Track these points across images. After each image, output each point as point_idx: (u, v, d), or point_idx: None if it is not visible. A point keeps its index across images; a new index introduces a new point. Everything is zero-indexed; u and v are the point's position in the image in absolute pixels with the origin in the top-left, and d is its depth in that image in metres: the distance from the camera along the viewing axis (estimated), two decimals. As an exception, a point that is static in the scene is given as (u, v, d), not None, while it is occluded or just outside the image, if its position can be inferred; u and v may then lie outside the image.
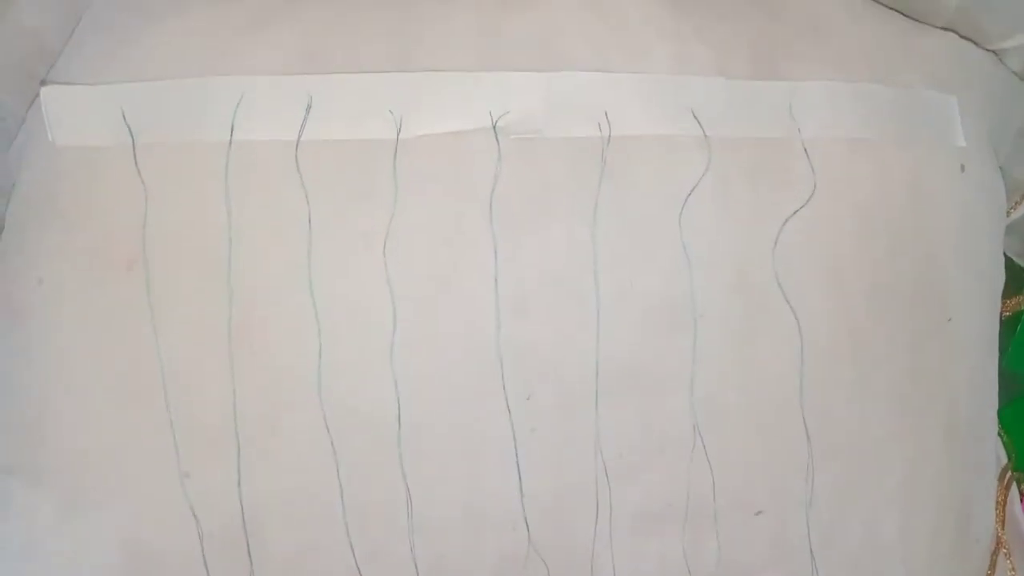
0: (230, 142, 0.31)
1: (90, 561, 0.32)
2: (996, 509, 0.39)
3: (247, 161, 0.31)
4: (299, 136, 0.31)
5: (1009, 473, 0.41)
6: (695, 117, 0.32)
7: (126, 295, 0.31)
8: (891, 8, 0.37)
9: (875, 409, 0.35)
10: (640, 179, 0.32)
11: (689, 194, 0.32)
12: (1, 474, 0.33)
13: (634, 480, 0.33)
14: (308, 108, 0.31)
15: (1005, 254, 0.41)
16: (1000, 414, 0.42)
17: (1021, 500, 0.43)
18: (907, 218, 0.34)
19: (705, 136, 0.32)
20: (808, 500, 0.34)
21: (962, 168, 0.36)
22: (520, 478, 0.32)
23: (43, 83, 0.32)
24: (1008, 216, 0.43)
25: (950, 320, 0.36)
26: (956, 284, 0.36)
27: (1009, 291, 0.44)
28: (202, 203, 0.31)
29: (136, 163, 0.31)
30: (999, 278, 0.39)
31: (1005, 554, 0.38)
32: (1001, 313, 0.43)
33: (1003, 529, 0.39)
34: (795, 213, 0.33)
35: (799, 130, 0.33)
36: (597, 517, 0.33)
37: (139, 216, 0.31)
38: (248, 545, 0.32)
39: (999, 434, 0.42)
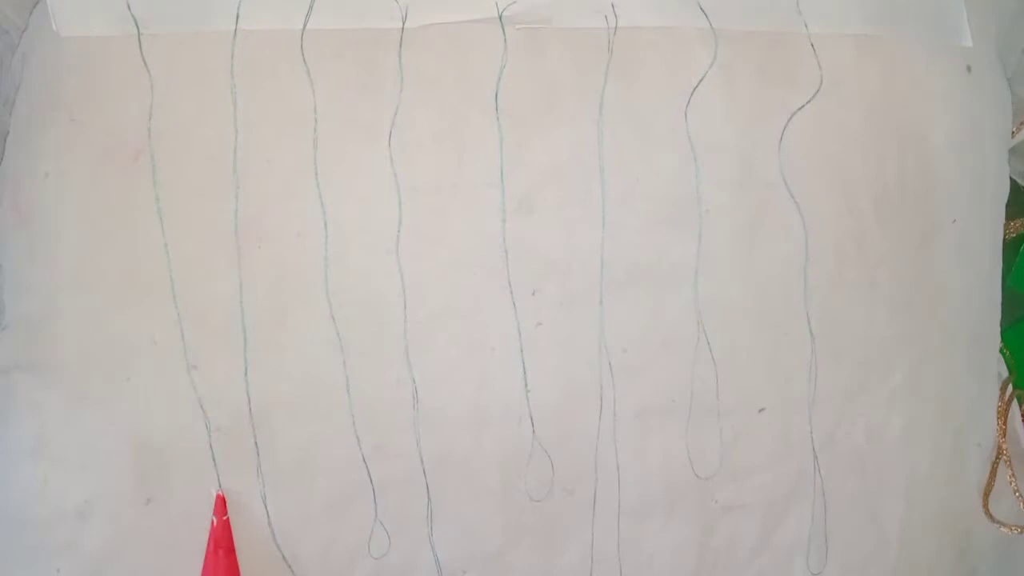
0: (235, 31, 0.31)
1: (97, 456, 0.33)
2: (997, 418, 0.39)
3: (253, 51, 0.31)
4: (304, 25, 0.31)
5: (1010, 387, 0.41)
6: (702, 9, 0.32)
7: (132, 187, 0.31)
8: None
9: (879, 309, 0.35)
10: (646, 72, 0.32)
11: (695, 88, 0.32)
12: (10, 371, 0.34)
13: (638, 376, 0.33)
14: None
15: (1010, 177, 0.41)
16: (1003, 334, 0.42)
17: (1022, 417, 0.43)
18: (913, 116, 0.34)
19: (712, 28, 0.32)
20: (811, 398, 0.34)
21: (968, 69, 0.35)
22: (525, 373, 0.32)
23: (48, -27, 0.32)
24: (1012, 137, 0.43)
25: (954, 221, 0.36)
26: (961, 185, 0.36)
27: (1013, 212, 0.44)
28: (208, 94, 0.31)
29: (142, 54, 0.31)
30: (1003, 187, 0.39)
31: (1006, 461, 0.39)
32: (1006, 234, 0.43)
33: (1004, 438, 0.39)
34: (800, 108, 0.33)
35: (806, 25, 0.33)
36: (601, 412, 0.33)
37: (145, 107, 0.31)
38: (255, 437, 0.32)
39: (1001, 350, 0.42)
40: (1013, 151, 0.43)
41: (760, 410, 0.34)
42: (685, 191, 0.32)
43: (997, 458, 0.39)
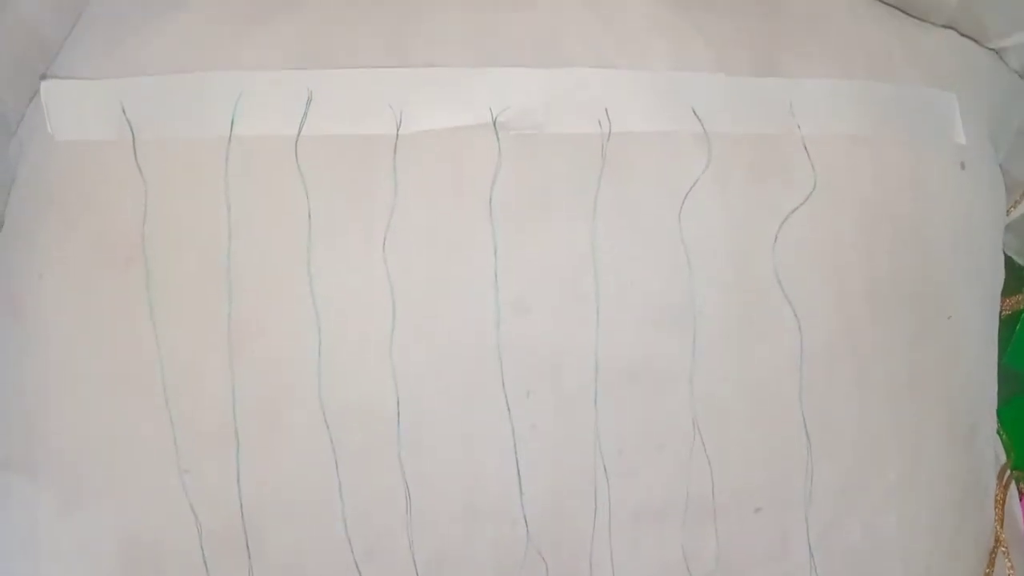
0: (230, 137, 0.31)
1: (89, 557, 0.32)
2: (995, 508, 0.39)
3: (247, 157, 0.31)
4: (299, 131, 0.31)
5: (1008, 472, 0.41)
6: (695, 114, 0.32)
7: (126, 291, 0.31)
8: (891, 5, 0.37)
9: (874, 407, 0.35)
10: (640, 176, 0.32)
11: (689, 191, 0.32)
12: (1, 469, 0.33)
13: (633, 477, 0.33)
14: (308, 103, 0.31)
15: (1004, 253, 0.41)
16: (999, 412, 0.42)
17: (1020, 499, 0.43)
18: (907, 215, 0.34)
19: (705, 133, 0.32)
20: (807, 497, 0.34)
21: (962, 166, 0.36)
22: (519, 475, 0.32)
23: (43, 77, 0.32)
24: (1008, 215, 0.43)
25: (950, 318, 0.36)
26: (956, 282, 0.36)
27: (1008, 289, 0.44)
28: (202, 199, 0.31)
29: (136, 158, 0.31)
30: (999, 276, 0.39)
31: (1004, 552, 0.38)
32: (1000, 311, 0.43)
33: (1002, 528, 0.39)
34: (795, 210, 0.33)
35: (799, 127, 0.33)
36: (596, 514, 0.33)
37: (139, 212, 0.31)
38: (247, 542, 0.32)
39: (998, 432, 0.42)
40: (1008, 229, 0.43)
41: (756, 510, 0.34)
42: (679, 292, 0.32)
43: (995, 549, 0.39)
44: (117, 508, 0.32)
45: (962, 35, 0.38)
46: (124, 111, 0.31)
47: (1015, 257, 0.47)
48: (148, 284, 0.31)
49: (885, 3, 0.37)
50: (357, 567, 0.32)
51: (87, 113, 0.31)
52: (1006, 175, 0.41)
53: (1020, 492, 0.44)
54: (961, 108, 0.36)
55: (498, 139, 0.31)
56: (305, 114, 0.31)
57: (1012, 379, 0.46)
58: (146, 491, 0.32)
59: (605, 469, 0.33)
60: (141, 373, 0.31)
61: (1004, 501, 0.40)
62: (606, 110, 0.32)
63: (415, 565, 0.32)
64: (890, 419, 0.35)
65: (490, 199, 0.31)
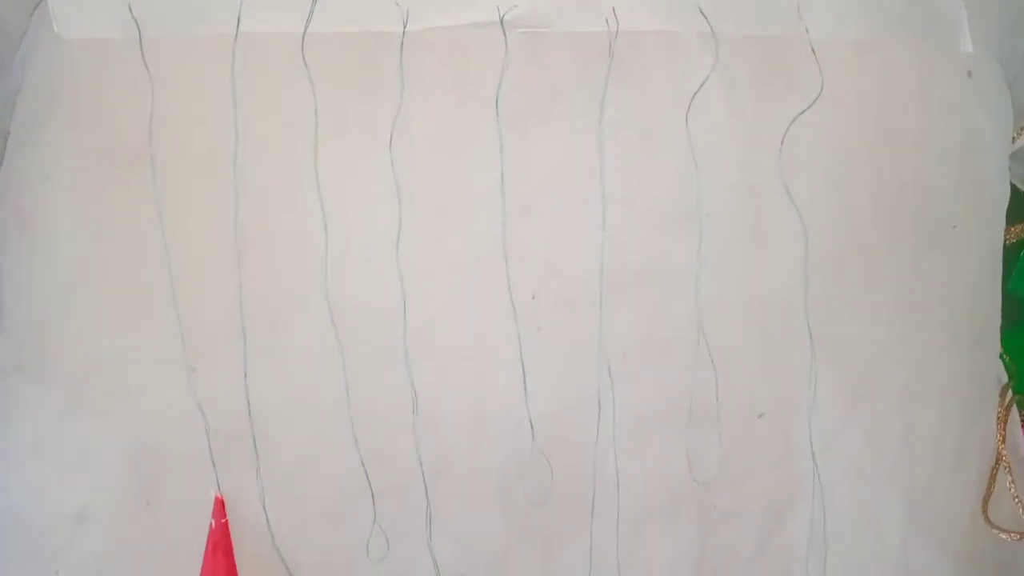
0: (236, 34, 0.31)
1: (98, 459, 0.33)
2: (997, 424, 0.39)
3: (253, 54, 0.31)
4: (305, 28, 0.31)
5: (1010, 392, 0.41)
6: (702, 13, 0.32)
7: (132, 190, 0.31)
8: None
9: (878, 315, 0.35)
10: (647, 77, 0.32)
11: (696, 93, 0.32)
12: (9, 373, 0.34)
13: (637, 380, 0.33)
14: (314, 0, 0.31)
15: (1011, 183, 0.41)
16: (1003, 337, 0.42)
17: (1021, 424, 0.43)
18: (914, 120, 0.34)
19: (713, 33, 0.32)
20: (810, 404, 0.34)
21: (969, 74, 0.35)
22: (525, 378, 0.32)
23: (49, -25, 0.32)
24: (1013, 142, 0.43)
25: (954, 228, 0.36)
26: (961, 190, 0.36)
27: (1013, 217, 0.44)
28: (208, 97, 0.31)
29: (143, 56, 0.31)
30: (1004, 193, 0.39)
31: (1005, 467, 0.39)
32: (1006, 239, 0.43)
33: (1004, 444, 0.39)
34: (801, 114, 0.33)
35: (807, 30, 0.33)
36: (600, 417, 0.33)
37: (145, 110, 0.31)
38: (255, 441, 0.32)
39: (1000, 356, 0.42)
40: (1013, 156, 0.43)
41: (760, 415, 0.34)
42: (686, 196, 0.32)
43: (996, 464, 0.39)
44: (124, 410, 0.32)
45: (972, -51, 0.38)
46: (130, 8, 0.31)
47: (1020, 186, 0.47)
48: (155, 183, 0.31)
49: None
50: (364, 467, 0.32)
51: (93, 11, 0.31)
52: (1013, 100, 0.40)
53: (1021, 418, 0.44)
54: (969, 20, 0.36)
55: (505, 37, 0.31)
56: (312, 10, 0.31)
57: (1016, 306, 0.46)
58: (153, 391, 0.32)
59: (609, 372, 0.33)
60: (148, 273, 0.31)
61: (1006, 419, 0.40)
62: (613, 8, 0.32)
63: (421, 466, 0.32)
64: (894, 327, 0.35)
65: (496, 99, 0.31)
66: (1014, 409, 0.41)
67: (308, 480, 0.32)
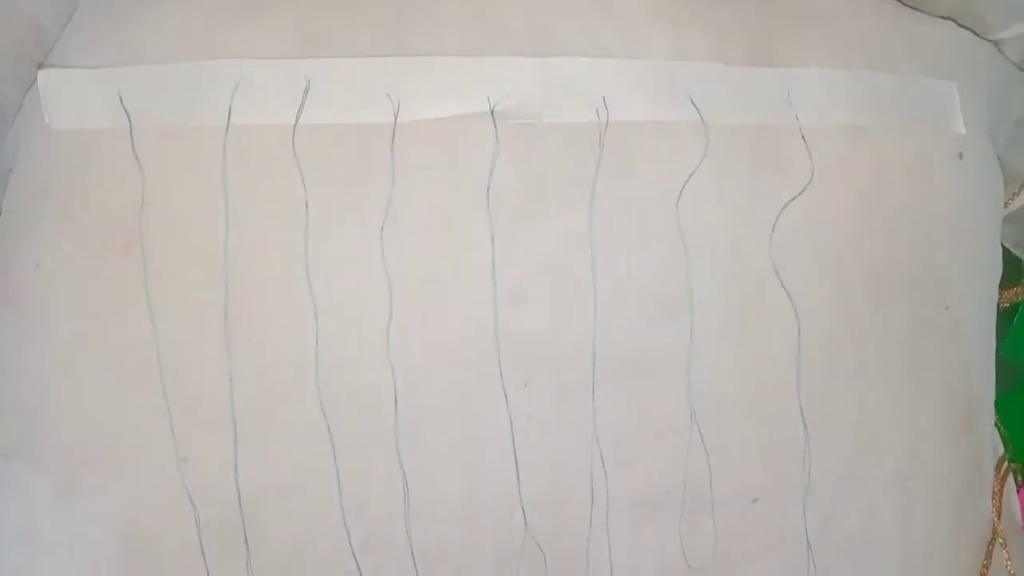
0: (227, 126, 0.31)
1: (87, 545, 0.32)
2: (992, 499, 0.39)
3: (244, 145, 0.31)
4: (296, 120, 0.31)
5: (1005, 463, 0.41)
6: (693, 103, 0.32)
7: (123, 279, 0.31)
8: None
9: (872, 397, 0.35)
10: (638, 165, 0.32)
11: (687, 180, 0.32)
12: (-1, 458, 0.33)
13: (631, 467, 0.33)
14: (306, 92, 0.31)
15: (1003, 245, 0.41)
16: (997, 403, 0.42)
17: (1018, 491, 0.43)
18: (905, 205, 0.34)
19: (703, 122, 0.32)
20: (805, 487, 0.34)
21: (960, 155, 0.36)
22: (517, 466, 0.32)
23: (40, 66, 0.32)
24: (1006, 207, 0.43)
25: (947, 308, 0.36)
26: (954, 272, 0.36)
27: (1007, 281, 0.44)
28: (199, 187, 0.31)
29: (133, 146, 0.31)
30: (996, 267, 0.39)
31: (1001, 544, 0.38)
32: (999, 303, 0.43)
33: (999, 519, 0.39)
34: (793, 200, 0.33)
35: (797, 117, 0.33)
36: (593, 504, 0.33)
37: (136, 200, 0.31)
38: (245, 531, 0.32)
39: (996, 424, 0.41)
40: (1007, 221, 0.43)
41: (754, 500, 0.34)
42: (677, 282, 0.32)
43: (992, 540, 0.39)
44: (115, 497, 0.32)
45: (961, 26, 0.38)
46: (121, 100, 0.31)
47: (1013, 249, 0.47)
48: (145, 272, 0.31)
49: (883, -6, 0.37)
50: (355, 558, 0.32)
51: (84, 102, 0.31)
52: (1004, 167, 0.41)
53: (1017, 484, 0.43)
54: (960, 98, 0.36)
55: (496, 128, 0.31)
56: (303, 103, 0.31)
57: (1010, 371, 0.46)
58: (144, 480, 0.32)
59: (603, 459, 0.33)
60: (138, 361, 0.31)
61: (1002, 493, 0.39)
62: (604, 99, 0.32)
63: (413, 556, 0.32)
64: (888, 409, 0.35)
65: (488, 188, 0.31)
66: (1010, 481, 0.41)
67: (299, 570, 0.32)
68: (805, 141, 0.33)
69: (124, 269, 0.31)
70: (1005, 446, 0.42)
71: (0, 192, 0.35)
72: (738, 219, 0.33)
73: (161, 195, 0.31)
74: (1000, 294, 0.43)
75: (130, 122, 0.31)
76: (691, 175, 0.32)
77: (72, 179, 0.32)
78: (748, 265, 0.33)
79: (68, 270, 0.32)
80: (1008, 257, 0.43)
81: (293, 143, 0.31)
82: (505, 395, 0.32)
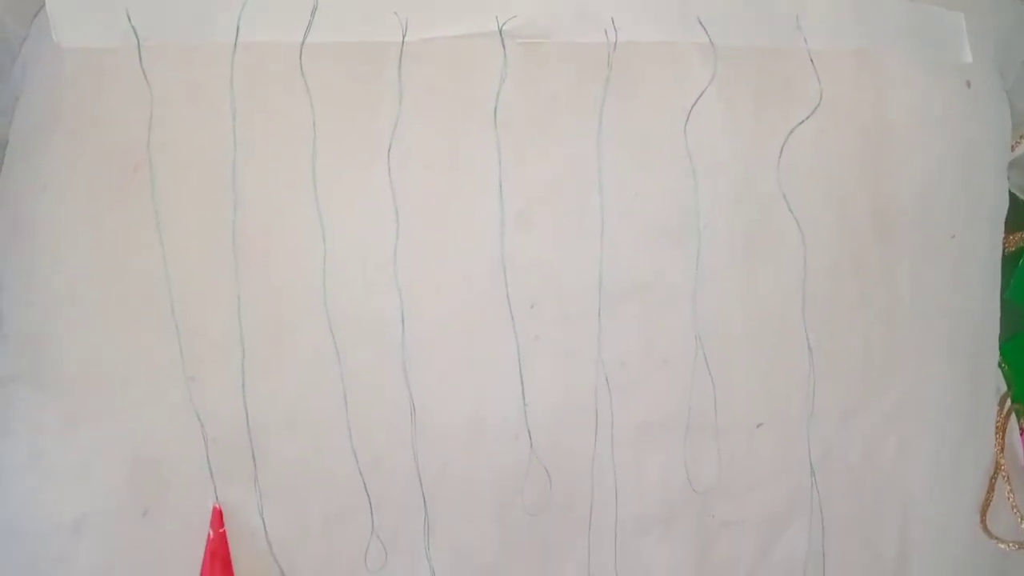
0: (235, 44, 0.30)
1: (96, 468, 0.32)
2: (996, 434, 0.39)
3: (252, 64, 0.31)
4: (304, 38, 0.31)
5: (1009, 401, 0.41)
6: (701, 25, 0.32)
7: (131, 200, 0.31)
8: None
9: (876, 326, 0.35)
10: (645, 88, 0.32)
11: (694, 104, 0.32)
12: (7, 383, 0.34)
13: (636, 391, 0.33)
14: (314, 10, 0.31)
15: (1009, 191, 0.41)
16: (1002, 347, 0.42)
17: (1020, 433, 0.43)
18: (912, 131, 0.34)
19: (711, 44, 0.32)
20: (809, 414, 0.34)
21: (968, 84, 0.36)
22: (523, 387, 0.32)
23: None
24: (1012, 150, 0.43)
25: (953, 237, 0.36)
26: (959, 201, 0.36)
27: (1013, 226, 0.44)
28: (207, 106, 0.31)
29: (141, 65, 0.31)
30: (1002, 202, 0.39)
31: (1004, 477, 0.39)
32: (1005, 248, 0.43)
33: (1002, 453, 0.39)
34: (800, 124, 0.33)
35: (805, 40, 0.33)
36: (598, 427, 0.33)
37: (144, 119, 0.31)
38: (253, 451, 0.32)
39: (999, 364, 0.42)
40: (1012, 165, 0.43)
41: (758, 426, 0.34)
42: (684, 207, 0.32)
43: (995, 474, 0.39)
44: (123, 420, 0.32)
45: (968, -37, 0.38)
46: (129, 17, 0.31)
47: (1019, 194, 0.47)
48: (154, 192, 0.31)
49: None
50: (362, 476, 0.32)
51: (92, 20, 0.31)
52: (1012, 109, 0.41)
53: (1020, 427, 0.44)
54: (967, 30, 0.36)
55: (504, 48, 0.31)
56: (311, 20, 0.31)
57: (1015, 315, 0.46)
58: (152, 402, 0.32)
59: (608, 382, 0.33)
60: (147, 282, 0.31)
61: (1005, 428, 0.40)
62: (612, 19, 0.32)
63: (420, 477, 0.32)
64: (892, 339, 0.35)
65: (495, 109, 0.31)
66: (1013, 418, 0.41)
67: (306, 489, 0.32)
68: (814, 65, 0.33)
69: (132, 189, 0.31)
70: (1008, 386, 0.42)
71: (7, 123, 0.35)
72: (746, 143, 0.33)
73: (169, 114, 0.31)
74: (1006, 238, 0.43)
75: (138, 40, 0.31)
76: (699, 97, 0.32)
77: (80, 101, 0.32)
78: (755, 189, 0.33)
79: (76, 192, 0.32)
80: (1014, 202, 0.43)
81: (301, 62, 0.31)
82: (511, 317, 0.32)
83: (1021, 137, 0.44)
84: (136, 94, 0.31)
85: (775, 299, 0.34)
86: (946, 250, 0.36)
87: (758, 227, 0.33)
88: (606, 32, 0.32)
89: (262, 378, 0.31)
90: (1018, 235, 0.47)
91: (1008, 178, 0.40)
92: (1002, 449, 0.39)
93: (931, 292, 0.36)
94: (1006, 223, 0.40)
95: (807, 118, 0.33)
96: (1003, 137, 0.38)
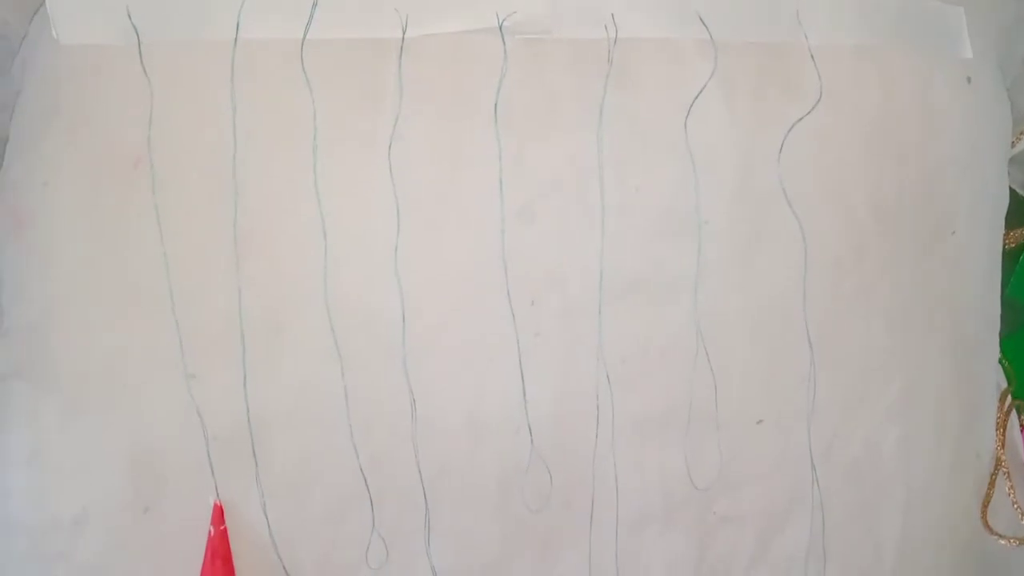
0: (235, 40, 0.31)
1: (97, 463, 0.32)
2: (996, 429, 0.39)
3: (253, 60, 0.31)
4: (304, 34, 0.31)
5: (1009, 398, 0.41)
6: (702, 21, 0.32)
7: (131, 195, 0.31)
8: None
9: (878, 321, 0.35)
10: (646, 83, 0.32)
11: (694, 99, 0.32)
12: (7, 378, 0.34)
13: (636, 386, 0.33)
14: (314, 5, 0.31)
15: (1010, 187, 0.41)
16: (1002, 343, 0.42)
17: (1021, 430, 0.43)
18: (912, 127, 0.34)
19: (712, 40, 0.32)
20: (809, 409, 0.34)
21: (968, 80, 0.36)
22: (523, 383, 0.32)
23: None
24: (1012, 147, 0.43)
25: (954, 233, 0.36)
26: (959, 197, 0.36)
27: (1013, 222, 0.44)
28: (208, 102, 0.31)
29: (142, 61, 0.31)
30: (1003, 198, 0.39)
31: (1004, 473, 0.39)
32: (1005, 244, 0.43)
33: (1003, 450, 0.39)
34: (801, 119, 0.33)
35: (806, 36, 0.33)
36: (599, 423, 0.33)
37: (144, 115, 0.31)
38: (254, 447, 0.32)
39: (1000, 361, 0.42)
40: (1013, 161, 0.43)
41: (758, 421, 0.34)
42: (684, 202, 0.32)
43: (996, 470, 0.39)
44: (123, 416, 0.32)
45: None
46: (129, 14, 0.31)
47: (1019, 190, 0.47)
48: (154, 187, 0.31)
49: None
50: (363, 473, 0.32)
51: (92, 17, 0.31)
52: (1012, 105, 0.41)
53: (1021, 424, 0.44)
54: (968, 26, 0.36)
55: (504, 43, 0.31)
56: (311, 17, 0.31)
57: (1016, 311, 0.46)
58: (152, 397, 0.32)
59: (608, 377, 0.33)
60: (147, 278, 0.31)
61: (1006, 424, 0.40)
62: (612, 15, 0.32)
63: (420, 472, 0.32)
64: (893, 333, 0.35)
65: (495, 105, 0.31)
66: (1013, 414, 0.41)
67: (307, 487, 0.32)
68: (814, 60, 0.33)
69: (132, 185, 0.31)
70: (1009, 382, 0.42)
71: (8, 118, 0.35)
72: (746, 138, 0.32)
73: (170, 110, 0.31)
74: (1006, 235, 0.43)
75: (138, 37, 0.31)
76: (700, 93, 0.32)
77: (80, 96, 0.32)
78: (756, 185, 0.33)
79: (76, 187, 0.32)
80: (1015, 199, 0.43)
81: (302, 58, 0.31)
82: (512, 313, 0.32)
83: (1021, 133, 0.44)
84: (136, 90, 0.31)
85: (776, 294, 0.34)
86: (947, 245, 0.36)
87: (759, 222, 0.33)
88: (606, 28, 0.32)
89: (263, 375, 0.31)
90: (1018, 232, 0.47)
91: (1008, 174, 0.40)
92: (1003, 445, 0.39)
93: (932, 287, 0.36)
94: (1006, 219, 0.40)
95: (808, 113, 0.33)
96: (1003, 133, 0.38)
